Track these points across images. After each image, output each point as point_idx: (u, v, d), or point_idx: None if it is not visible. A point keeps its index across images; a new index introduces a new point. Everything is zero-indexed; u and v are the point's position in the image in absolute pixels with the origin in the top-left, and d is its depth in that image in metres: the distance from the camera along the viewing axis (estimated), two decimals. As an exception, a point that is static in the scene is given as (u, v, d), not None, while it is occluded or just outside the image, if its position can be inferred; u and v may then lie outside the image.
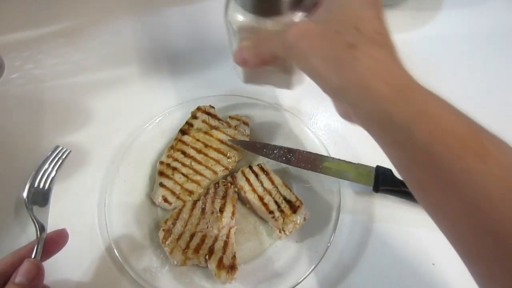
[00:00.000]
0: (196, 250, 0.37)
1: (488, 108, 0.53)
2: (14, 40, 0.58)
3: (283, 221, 0.39)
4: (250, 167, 0.43)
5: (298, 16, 0.32)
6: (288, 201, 0.40)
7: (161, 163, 0.44)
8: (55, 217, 0.36)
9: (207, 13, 0.61)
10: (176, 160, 0.44)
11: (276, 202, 0.40)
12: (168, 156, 0.44)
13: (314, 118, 0.51)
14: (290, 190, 0.41)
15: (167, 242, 0.38)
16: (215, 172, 0.43)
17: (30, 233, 0.40)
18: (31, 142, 0.47)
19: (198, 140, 0.45)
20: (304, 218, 0.40)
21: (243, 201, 0.43)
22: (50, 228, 0.35)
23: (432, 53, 0.59)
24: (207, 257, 0.37)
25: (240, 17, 0.32)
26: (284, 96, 0.52)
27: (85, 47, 0.58)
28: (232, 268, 0.36)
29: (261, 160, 0.46)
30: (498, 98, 0.54)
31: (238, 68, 0.40)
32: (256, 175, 0.42)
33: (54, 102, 0.51)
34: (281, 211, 0.40)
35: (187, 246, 0.38)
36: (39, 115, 0.50)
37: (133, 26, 0.61)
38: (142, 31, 0.60)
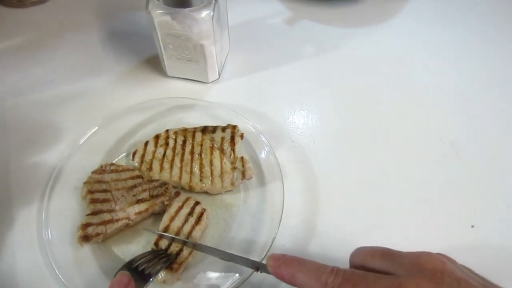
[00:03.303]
0: None
1: (459, 97, 0.52)
2: (-29, 57, 0.54)
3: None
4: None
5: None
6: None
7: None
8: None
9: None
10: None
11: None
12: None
13: (291, 118, 0.50)
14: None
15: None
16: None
17: None
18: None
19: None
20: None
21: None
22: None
23: (403, 44, 0.58)
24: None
25: (159, 11, 0.42)
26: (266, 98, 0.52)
27: (47, 60, 0.55)
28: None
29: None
30: (469, 86, 0.53)
31: (163, 62, 0.50)
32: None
33: (19, 121, 0.48)
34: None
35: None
36: (4, 136, 0.47)
37: (99, 34, 0.59)
38: (109, 39, 0.58)
